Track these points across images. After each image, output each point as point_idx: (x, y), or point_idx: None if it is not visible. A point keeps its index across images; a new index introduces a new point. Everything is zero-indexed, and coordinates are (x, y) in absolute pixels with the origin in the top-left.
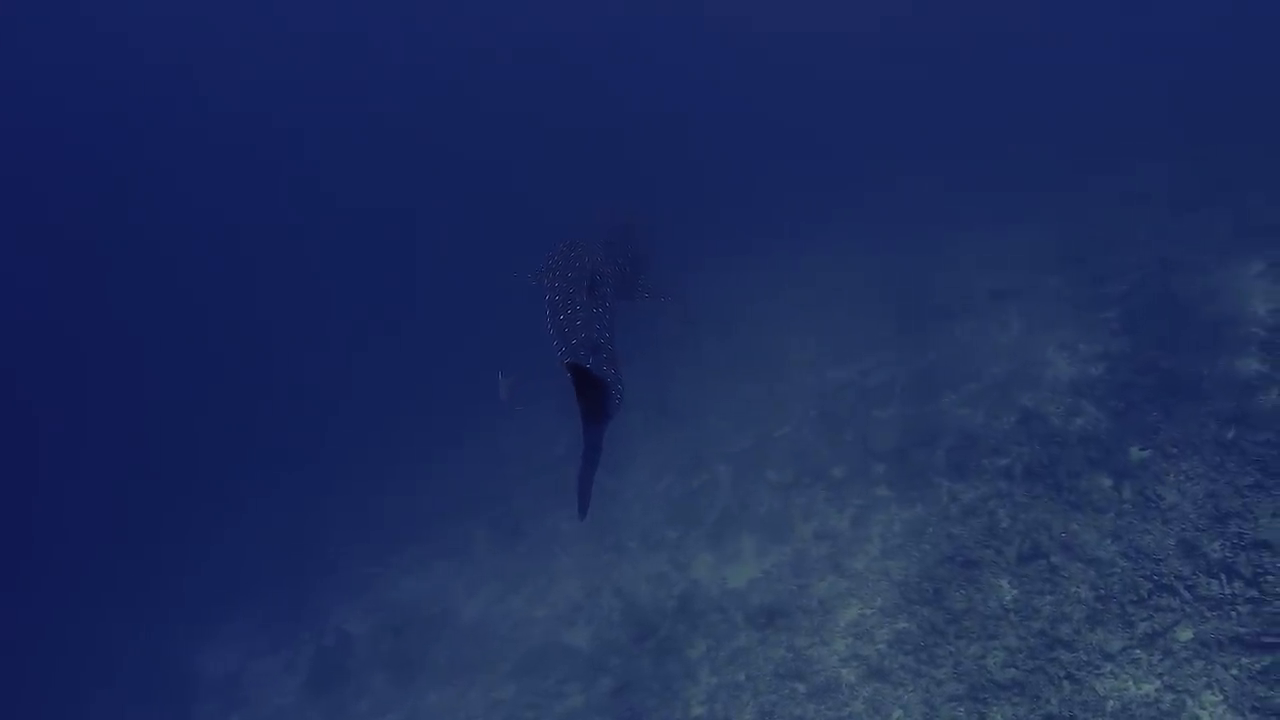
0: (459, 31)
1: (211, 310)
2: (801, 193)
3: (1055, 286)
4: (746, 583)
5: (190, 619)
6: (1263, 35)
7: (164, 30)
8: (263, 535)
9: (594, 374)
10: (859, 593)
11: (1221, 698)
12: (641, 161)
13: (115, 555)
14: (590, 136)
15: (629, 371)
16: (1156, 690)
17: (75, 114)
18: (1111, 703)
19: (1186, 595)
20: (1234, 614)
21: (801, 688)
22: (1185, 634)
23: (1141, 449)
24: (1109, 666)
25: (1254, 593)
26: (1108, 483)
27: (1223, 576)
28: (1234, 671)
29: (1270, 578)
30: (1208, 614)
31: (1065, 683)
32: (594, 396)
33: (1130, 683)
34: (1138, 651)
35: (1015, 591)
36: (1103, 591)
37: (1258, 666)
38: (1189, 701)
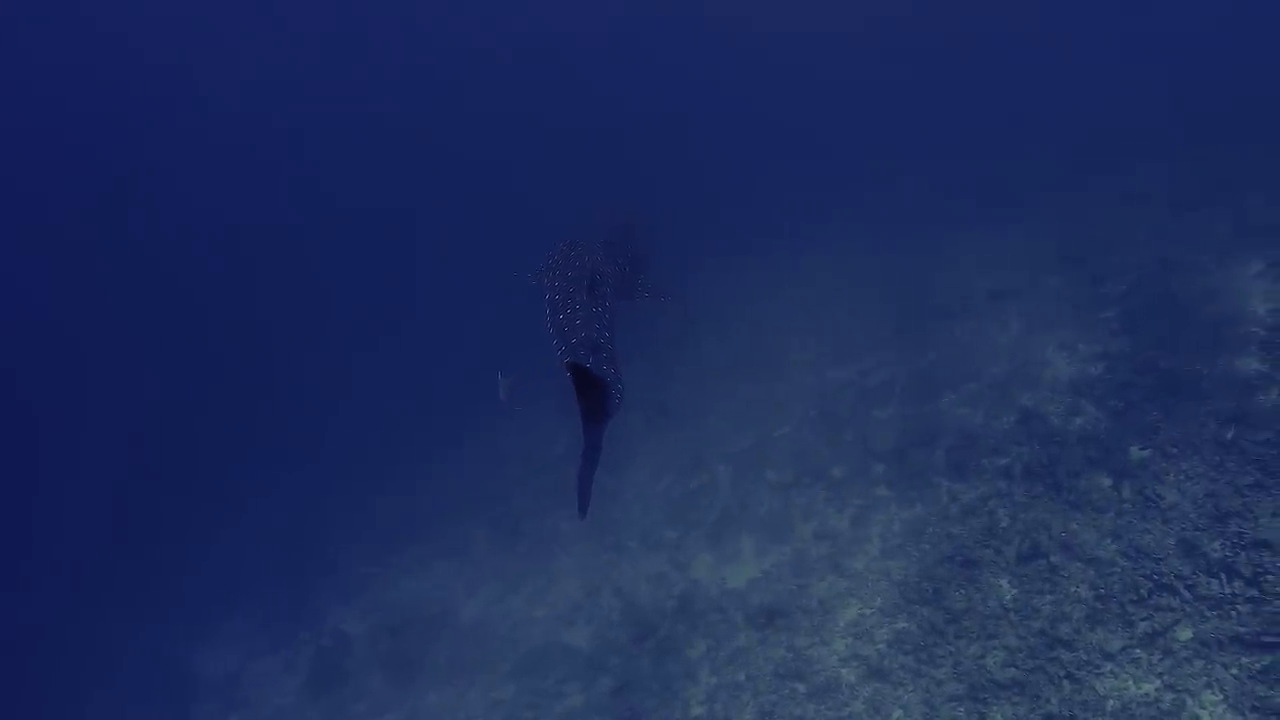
0: (459, 31)
1: (211, 310)
2: (802, 193)
3: (1055, 286)
4: (746, 583)
5: (190, 619)
6: (1263, 35)
7: (164, 30)
8: (262, 535)
9: (594, 373)
10: (859, 593)
11: (1221, 697)
12: (641, 161)
13: (115, 555)
14: (590, 136)
15: (629, 371)
16: (1156, 690)
17: (75, 114)
18: (1111, 702)
19: (1186, 595)
20: (1234, 613)
21: (801, 688)
22: (1185, 633)
23: (1141, 448)
24: (1109, 666)
25: (1254, 592)
26: (1107, 482)
27: (1223, 576)
28: (1234, 671)
29: (1270, 577)
30: (1208, 613)
31: (1065, 682)
32: (594, 396)
33: (1130, 682)
34: (1138, 651)
35: (1015, 591)
36: (1102, 591)
37: (1258, 666)
38: (1189, 701)
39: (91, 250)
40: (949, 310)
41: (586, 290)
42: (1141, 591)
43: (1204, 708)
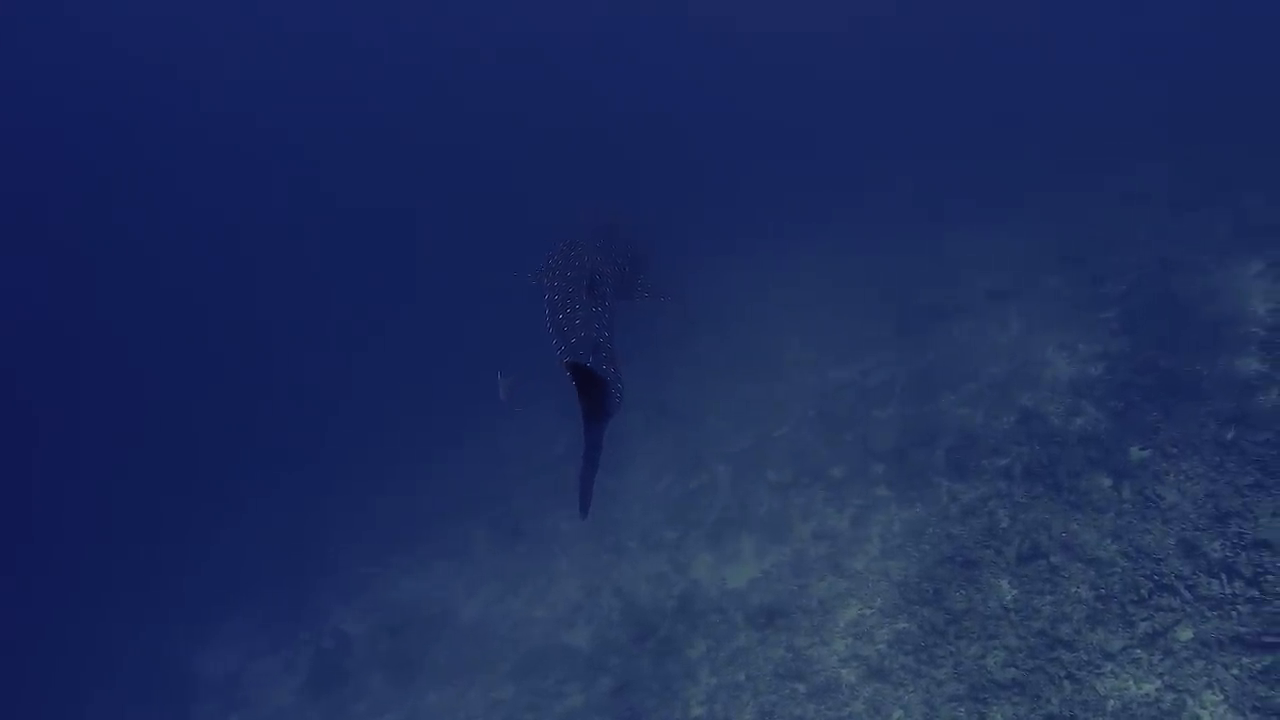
0: (443, 31)
1: (211, 310)
2: (801, 193)
3: (1054, 286)
4: (746, 583)
5: (190, 619)
6: (1263, 35)
7: (159, 31)
8: (262, 535)
9: (594, 372)
10: (859, 593)
11: (1222, 697)
12: (627, 161)
13: (115, 555)
14: (575, 136)
15: (629, 371)
16: (1157, 690)
17: (72, 114)
18: (1112, 702)
19: (1187, 595)
20: (1234, 614)
21: (801, 688)
22: (1186, 634)
23: (1141, 449)
24: (1109, 666)
25: (1254, 592)
26: (1107, 482)
27: (1223, 576)
28: (1234, 671)
29: (1270, 577)
30: (1208, 614)
31: (1066, 682)
32: (594, 395)
33: (1131, 682)
34: (1138, 651)
35: (1015, 591)
36: (1103, 591)
37: (1258, 666)
38: (1189, 701)
39: (90, 250)
40: (948, 310)
41: (586, 290)
42: (1142, 592)
43: (1204, 708)
